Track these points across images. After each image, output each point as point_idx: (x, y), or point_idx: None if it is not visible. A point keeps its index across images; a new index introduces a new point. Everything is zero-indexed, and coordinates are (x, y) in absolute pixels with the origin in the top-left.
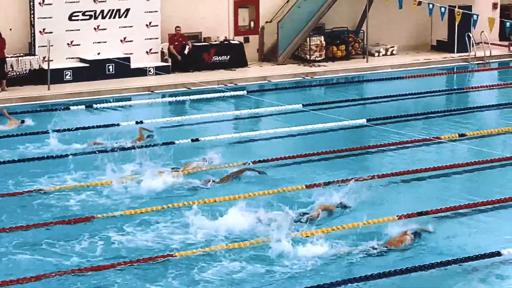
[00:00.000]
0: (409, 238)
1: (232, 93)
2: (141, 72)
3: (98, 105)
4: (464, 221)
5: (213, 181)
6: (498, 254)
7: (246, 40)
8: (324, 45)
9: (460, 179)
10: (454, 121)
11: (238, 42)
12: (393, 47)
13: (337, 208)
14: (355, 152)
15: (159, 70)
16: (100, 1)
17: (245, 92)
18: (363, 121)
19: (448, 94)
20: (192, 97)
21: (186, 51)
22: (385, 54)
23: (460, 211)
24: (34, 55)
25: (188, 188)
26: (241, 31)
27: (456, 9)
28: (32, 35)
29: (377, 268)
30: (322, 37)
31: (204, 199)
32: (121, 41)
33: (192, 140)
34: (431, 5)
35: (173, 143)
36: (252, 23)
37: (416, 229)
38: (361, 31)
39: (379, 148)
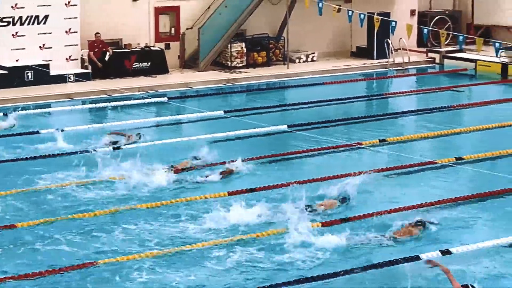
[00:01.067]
0: (417, 229)
1: (153, 100)
2: (61, 79)
3: (18, 112)
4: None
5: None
6: (418, 258)
7: (167, 46)
8: (245, 51)
9: (381, 184)
10: (374, 126)
11: (159, 49)
12: (313, 53)
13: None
14: (277, 158)
15: (79, 77)
16: (18, 7)
17: (166, 99)
18: (284, 127)
19: (368, 100)
20: (113, 104)
21: (106, 58)
22: (306, 61)
23: (383, 215)
24: None
25: (189, 184)
26: (162, 37)
27: (375, 16)
28: None
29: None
30: (243, 43)
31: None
32: (40, 47)
33: (114, 148)
34: (350, 12)
35: (95, 151)
36: (173, 29)
37: (422, 220)
38: (281, 38)
39: (300, 154)
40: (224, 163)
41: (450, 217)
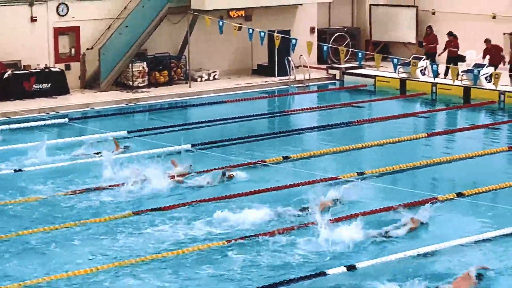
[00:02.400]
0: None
1: (54, 121)
2: None
3: None
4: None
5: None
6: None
7: (67, 67)
8: (146, 71)
9: (286, 201)
10: (277, 144)
11: (59, 70)
12: (215, 72)
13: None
14: (180, 178)
15: None
16: None
17: (67, 119)
18: (188, 146)
19: (270, 117)
20: (12, 126)
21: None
22: (208, 79)
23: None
24: None
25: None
26: (62, 58)
27: (276, 34)
28: None
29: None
30: (145, 63)
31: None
32: None
33: (15, 171)
34: (250, 30)
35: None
36: (73, 50)
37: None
38: (183, 57)
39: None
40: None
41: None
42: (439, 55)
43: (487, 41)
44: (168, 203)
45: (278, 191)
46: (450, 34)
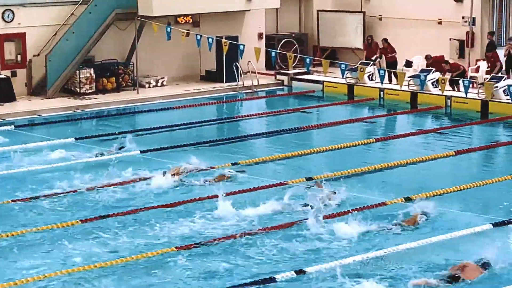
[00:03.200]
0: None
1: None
2: None
3: None
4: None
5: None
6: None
7: (14, 74)
8: (94, 77)
9: (234, 206)
10: (226, 150)
11: (5, 77)
12: (163, 78)
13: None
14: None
15: None
16: None
17: (12, 127)
18: (136, 152)
19: (219, 123)
20: None
21: None
22: (156, 85)
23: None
24: None
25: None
26: (8, 65)
27: (223, 40)
28: None
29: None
30: (92, 69)
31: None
32: None
33: None
34: (198, 36)
35: None
36: (19, 56)
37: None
38: (130, 63)
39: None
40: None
41: (308, 235)
42: (374, 61)
43: (427, 57)
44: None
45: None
46: (385, 41)
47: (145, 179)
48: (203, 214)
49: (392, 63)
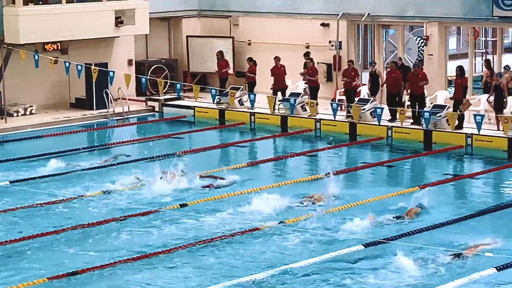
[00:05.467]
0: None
1: None
2: None
3: None
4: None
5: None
6: None
7: None
8: None
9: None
10: (98, 177)
11: None
12: (32, 106)
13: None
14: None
15: None
16: None
17: None
18: (6, 183)
19: (90, 151)
20: None
21: None
22: (24, 114)
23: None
24: None
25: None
26: None
27: (93, 67)
28: None
29: None
30: None
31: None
32: None
33: None
34: (67, 63)
35: None
36: None
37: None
38: None
39: (26, 209)
40: None
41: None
42: (246, 79)
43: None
44: None
45: (94, 226)
46: (249, 59)
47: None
48: None
49: (251, 83)
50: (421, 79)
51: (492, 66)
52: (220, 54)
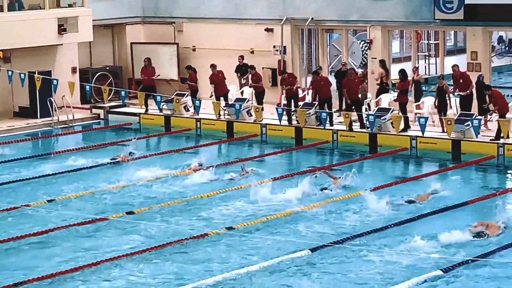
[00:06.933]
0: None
1: None
2: None
3: None
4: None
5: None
6: None
7: None
8: None
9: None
10: (43, 186)
11: None
12: None
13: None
14: None
15: None
16: None
17: None
18: None
19: (34, 160)
20: None
21: None
22: None
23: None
24: None
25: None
26: None
27: (36, 75)
28: None
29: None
30: None
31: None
32: None
33: None
34: (10, 72)
35: None
36: None
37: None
38: None
39: None
40: None
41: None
42: (188, 87)
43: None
44: None
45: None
46: (188, 68)
47: None
48: None
49: (193, 91)
50: (357, 84)
51: (388, 67)
52: (148, 61)
